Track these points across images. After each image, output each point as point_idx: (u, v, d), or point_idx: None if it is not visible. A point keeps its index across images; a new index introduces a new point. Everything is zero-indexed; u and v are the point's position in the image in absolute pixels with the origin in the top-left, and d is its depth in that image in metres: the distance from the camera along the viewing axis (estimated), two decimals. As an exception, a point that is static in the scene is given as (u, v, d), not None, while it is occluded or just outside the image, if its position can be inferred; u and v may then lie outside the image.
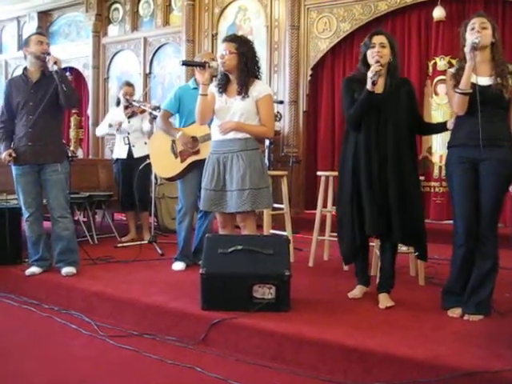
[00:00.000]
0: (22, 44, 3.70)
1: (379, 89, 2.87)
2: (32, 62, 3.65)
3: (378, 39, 2.86)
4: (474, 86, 2.65)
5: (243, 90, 3.06)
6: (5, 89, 3.70)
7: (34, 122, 3.56)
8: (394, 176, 2.85)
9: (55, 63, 3.47)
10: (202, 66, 3.11)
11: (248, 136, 3.09)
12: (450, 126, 2.93)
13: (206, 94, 3.10)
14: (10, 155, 3.58)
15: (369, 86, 2.79)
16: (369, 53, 2.88)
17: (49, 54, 3.56)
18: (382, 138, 2.87)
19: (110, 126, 5.16)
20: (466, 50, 2.67)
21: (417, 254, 3.09)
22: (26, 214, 3.67)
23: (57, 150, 3.70)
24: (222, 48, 3.09)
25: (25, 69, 3.69)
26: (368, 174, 2.87)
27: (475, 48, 2.63)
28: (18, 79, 3.69)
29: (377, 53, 2.82)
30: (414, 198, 2.91)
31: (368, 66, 2.87)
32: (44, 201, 3.78)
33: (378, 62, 2.80)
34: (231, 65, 3.07)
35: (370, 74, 2.78)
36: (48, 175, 3.64)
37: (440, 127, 3.12)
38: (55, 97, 3.57)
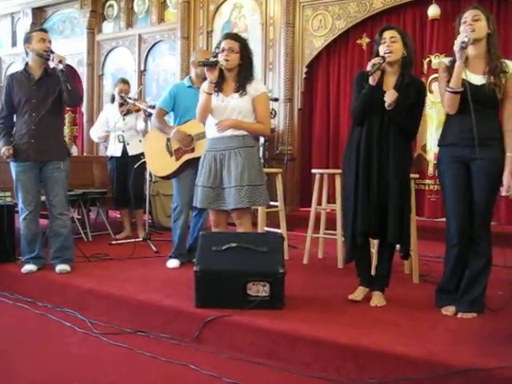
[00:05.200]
0: (23, 40, 3.64)
1: (389, 86, 2.81)
2: (34, 59, 3.59)
3: (389, 34, 2.80)
4: (465, 83, 2.62)
5: (241, 88, 3.05)
6: (5, 84, 3.64)
7: (37, 120, 3.52)
8: (394, 175, 2.81)
9: (60, 62, 3.42)
10: (215, 65, 3.04)
11: (245, 133, 3.08)
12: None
13: (212, 93, 3.07)
14: (8, 151, 3.53)
15: (370, 79, 2.74)
16: (380, 48, 2.81)
17: (52, 52, 3.51)
18: (384, 134, 2.82)
19: (99, 138, 5.35)
20: (455, 48, 2.60)
21: (403, 254, 3.01)
22: (24, 212, 3.62)
23: (59, 147, 3.69)
24: (226, 44, 3.04)
25: (26, 65, 3.63)
26: (366, 170, 2.84)
27: (463, 47, 2.57)
28: (20, 75, 3.62)
29: (387, 47, 2.76)
30: (407, 197, 2.91)
31: None
32: (42, 198, 3.74)
33: (387, 53, 2.74)
34: (234, 64, 3.05)
35: (368, 68, 2.71)
36: (49, 172, 3.62)
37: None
38: (59, 95, 3.55)
